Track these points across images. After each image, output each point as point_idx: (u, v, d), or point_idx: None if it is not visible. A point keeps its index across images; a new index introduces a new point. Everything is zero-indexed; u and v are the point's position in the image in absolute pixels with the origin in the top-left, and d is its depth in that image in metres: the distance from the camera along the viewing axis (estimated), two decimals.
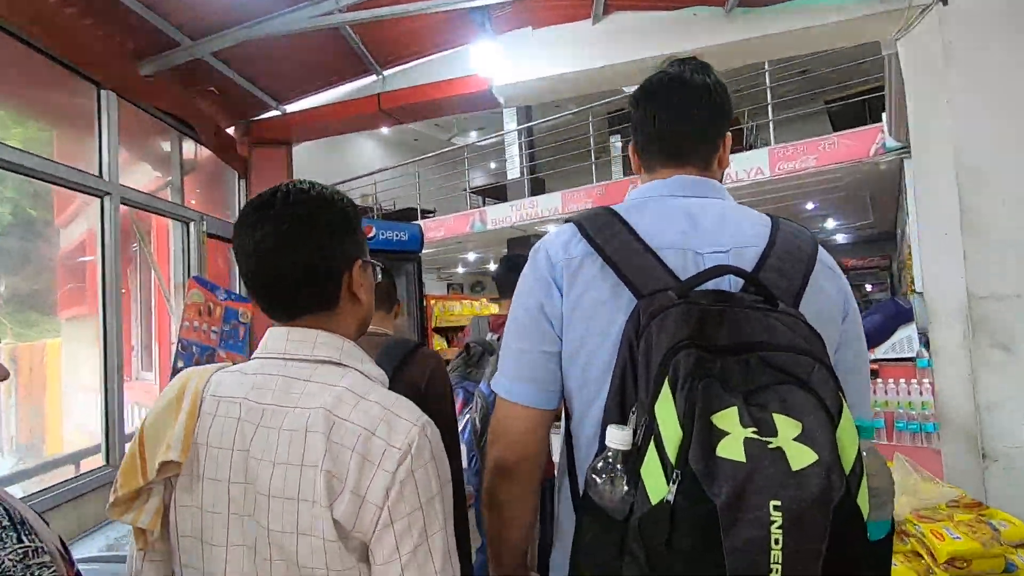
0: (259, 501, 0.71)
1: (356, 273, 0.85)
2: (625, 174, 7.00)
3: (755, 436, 0.56)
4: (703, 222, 0.85)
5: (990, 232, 2.17)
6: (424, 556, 0.69)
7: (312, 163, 11.42)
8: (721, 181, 0.96)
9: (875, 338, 4.48)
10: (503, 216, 7.13)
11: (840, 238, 10.44)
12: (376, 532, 0.69)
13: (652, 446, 0.60)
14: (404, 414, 0.74)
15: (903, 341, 4.41)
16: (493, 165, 12.05)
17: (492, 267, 12.35)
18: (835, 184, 5.44)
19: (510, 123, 8.04)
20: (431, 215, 8.17)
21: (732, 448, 0.56)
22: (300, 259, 0.78)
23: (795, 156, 5.01)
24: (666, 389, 0.61)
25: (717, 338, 0.66)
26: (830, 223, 8.06)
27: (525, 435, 0.84)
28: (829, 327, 0.81)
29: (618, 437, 0.64)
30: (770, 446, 0.56)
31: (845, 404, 0.62)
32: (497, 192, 8.46)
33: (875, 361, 4.39)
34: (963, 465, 2.29)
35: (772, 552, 0.52)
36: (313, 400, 0.73)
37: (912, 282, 4.90)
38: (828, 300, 0.83)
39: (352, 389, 0.74)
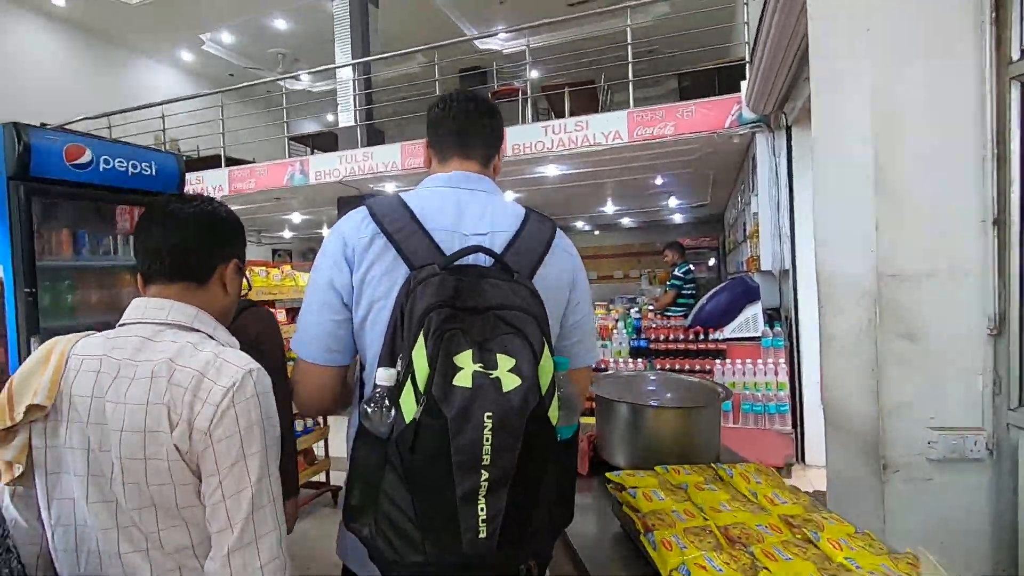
0: (112, 436, 0.87)
1: (231, 269, 1.04)
2: None
3: (481, 369, 0.80)
4: (470, 210, 1.04)
5: (905, 198, 1.73)
6: (240, 471, 0.87)
7: (84, 84, 8.93)
8: (494, 180, 1.15)
9: (721, 317, 4.35)
10: (329, 168, 5.95)
11: (677, 218, 10.97)
12: (202, 451, 0.87)
13: (409, 382, 0.81)
14: (232, 360, 0.91)
15: (748, 320, 4.32)
16: (331, 118, 10.47)
17: (325, 231, 10.88)
18: (687, 157, 5.24)
19: (347, 70, 6.75)
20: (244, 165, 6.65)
21: (463, 378, 0.79)
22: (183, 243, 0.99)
23: (654, 122, 4.65)
24: (421, 338, 0.81)
25: (467, 301, 0.86)
26: (672, 201, 8.21)
27: (319, 388, 1.05)
28: (559, 293, 1.06)
29: (384, 376, 0.84)
30: (490, 376, 0.80)
31: (547, 346, 0.85)
32: (326, 142, 7.15)
33: (722, 341, 4.26)
34: (856, 476, 1.89)
35: (485, 447, 0.77)
36: (160, 354, 0.90)
37: (756, 260, 4.89)
38: (559, 273, 1.06)
39: (193, 343, 0.92)
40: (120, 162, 2.45)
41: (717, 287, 4.39)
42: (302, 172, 6.05)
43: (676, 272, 5.82)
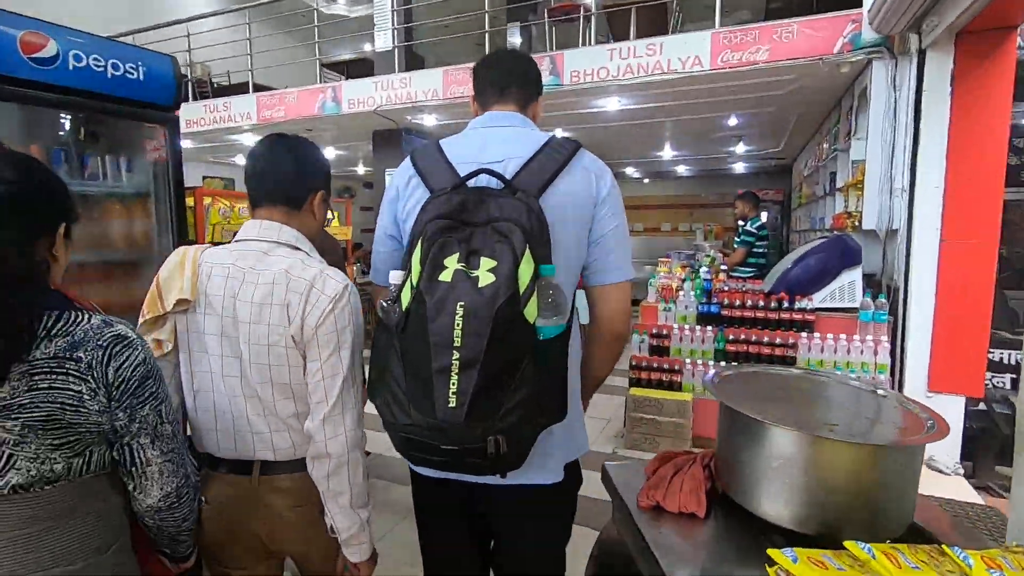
0: (241, 327, 1.12)
1: (318, 198, 1.25)
2: (522, 32, 5.51)
3: (463, 268, 0.95)
4: (493, 142, 1.16)
5: None
6: (336, 360, 1.13)
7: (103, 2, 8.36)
8: (536, 123, 1.25)
9: (811, 283, 3.70)
10: (364, 95, 5.35)
11: (739, 167, 10.00)
12: (309, 342, 1.12)
13: (408, 281, 0.99)
14: (334, 276, 1.15)
15: (845, 288, 3.67)
16: (367, 47, 9.73)
17: (362, 170, 10.37)
18: (776, 92, 4.44)
19: None
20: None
21: (446, 275, 0.95)
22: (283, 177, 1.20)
23: (744, 45, 3.87)
24: (419, 244, 0.99)
25: (471, 216, 1.01)
26: (740, 148, 7.32)
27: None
28: (577, 209, 1.12)
29: (395, 276, 1.04)
30: (471, 274, 0.95)
31: (531, 252, 0.96)
32: (361, 70, 6.51)
33: (810, 311, 3.63)
34: None
35: (456, 331, 0.92)
36: (277, 264, 1.14)
37: (851, 216, 4.16)
38: (575, 190, 1.11)
39: (301, 260, 1.16)
40: (97, 60, 1.93)
41: (810, 246, 3.70)
42: (334, 100, 5.48)
43: (748, 226, 5.11)
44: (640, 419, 3.64)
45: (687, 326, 3.81)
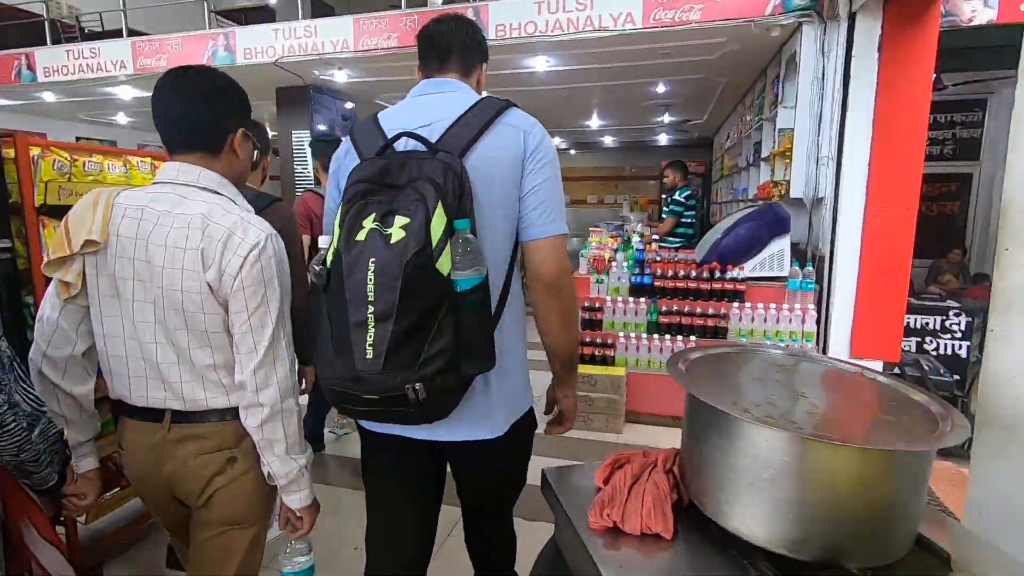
0: (154, 271, 1.09)
1: (239, 136, 1.19)
2: (446, 2, 5.08)
3: (377, 227, 0.98)
4: (425, 108, 1.18)
5: None
6: (264, 311, 1.11)
7: None
8: (479, 91, 1.28)
9: (742, 253, 3.65)
10: (263, 44, 4.69)
11: (663, 139, 10.06)
12: (232, 292, 1.09)
13: (333, 243, 1.03)
14: (256, 224, 1.12)
15: (775, 257, 3.64)
16: None
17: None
18: (705, 57, 4.33)
19: None
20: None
21: (361, 235, 0.99)
22: (196, 116, 1.15)
23: (676, 3, 3.72)
24: (341, 208, 1.04)
25: (393, 179, 1.05)
26: (666, 117, 7.27)
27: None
28: (504, 164, 1.12)
29: (323, 240, 1.14)
30: (384, 232, 0.98)
31: (442, 206, 0.99)
32: (260, 18, 5.78)
33: (740, 281, 3.59)
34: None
35: (369, 286, 0.96)
36: (194, 208, 1.10)
37: (777, 185, 4.15)
38: (501, 146, 1.12)
39: (221, 205, 1.12)
40: None
41: (740, 215, 3.64)
42: (227, 49, 4.80)
43: (677, 196, 5.03)
44: None
45: (620, 298, 3.66)
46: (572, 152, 11.66)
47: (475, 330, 1.04)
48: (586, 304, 3.67)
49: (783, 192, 4.03)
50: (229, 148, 1.18)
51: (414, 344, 0.97)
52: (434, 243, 0.97)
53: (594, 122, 8.06)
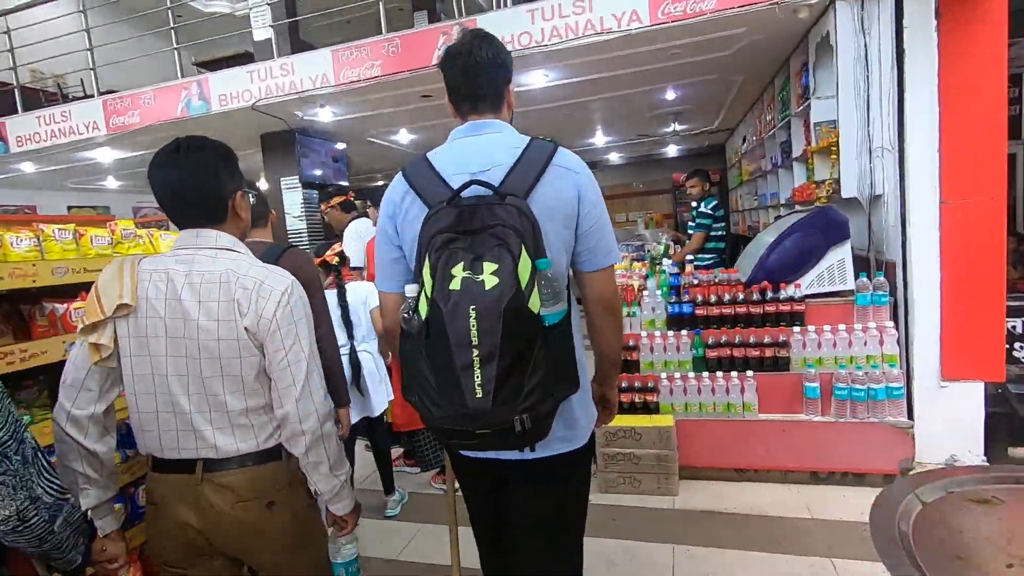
0: (189, 326, 1.18)
1: (239, 199, 1.31)
2: (431, 21, 4.73)
3: (469, 275, 1.05)
4: (477, 151, 1.25)
5: None
6: (298, 347, 1.23)
7: None
8: (511, 121, 1.36)
9: (795, 267, 3.13)
10: (238, 88, 4.32)
11: (672, 150, 9.60)
12: (269, 333, 1.20)
13: (422, 291, 1.09)
14: (280, 273, 1.26)
15: (834, 268, 3.11)
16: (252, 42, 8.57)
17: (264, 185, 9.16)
18: (722, 53, 3.87)
19: None
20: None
21: (455, 283, 1.05)
22: (203, 192, 1.25)
23: None
24: (427, 259, 1.09)
25: (468, 225, 1.10)
26: (674, 126, 6.82)
27: (392, 311, 1.33)
28: (563, 205, 1.21)
29: (410, 289, 1.13)
30: (477, 279, 1.04)
31: (526, 251, 1.07)
32: (238, 63, 5.47)
33: (798, 300, 3.05)
34: None
35: (472, 331, 1.03)
36: (219, 266, 1.21)
37: (822, 186, 3.64)
38: (558, 189, 1.21)
39: (245, 260, 1.25)
40: None
41: (787, 223, 3.12)
42: (201, 97, 4.46)
43: (702, 207, 4.54)
44: (615, 455, 2.92)
45: (657, 333, 3.13)
46: None
47: (563, 359, 1.16)
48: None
49: (830, 192, 3.51)
50: (232, 212, 1.30)
51: (515, 379, 1.06)
52: (523, 285, 1.05)
53: (599, 139, 7.65)
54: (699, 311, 3.12)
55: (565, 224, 1.22)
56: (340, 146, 5.87)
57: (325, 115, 4.78)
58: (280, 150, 5.25)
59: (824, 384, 2.85)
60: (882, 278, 2.92)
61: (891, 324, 2.86)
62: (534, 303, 1.06)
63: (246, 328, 1.18)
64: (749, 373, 2.91)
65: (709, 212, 4.49)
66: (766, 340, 2.96)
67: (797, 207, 4.24)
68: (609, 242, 1.29)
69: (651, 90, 5.12)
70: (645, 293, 3.24)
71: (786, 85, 4.57)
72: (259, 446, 1.23)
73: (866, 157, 3.18)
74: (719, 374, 2.97)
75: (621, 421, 2.93)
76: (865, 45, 3.10)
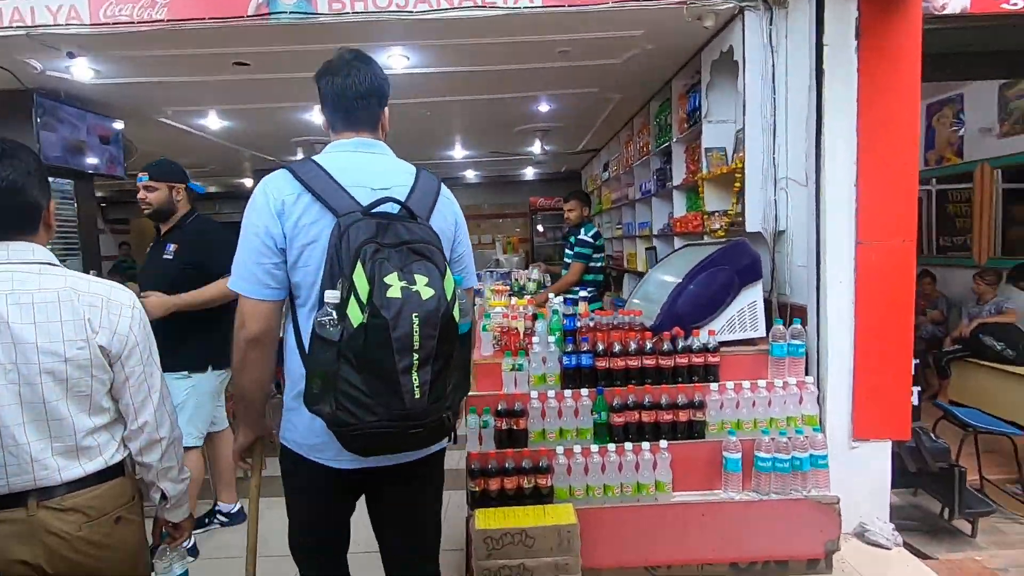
0: (25, 350, 1.11)
1: (52, 209, 1.26)
2: None
3: (405, 285, 1.11)
4: (373, 169, 1.34)
5: None
6: (152, 360, 1.29)
7: None
8: (384, 140, 1.45)
9: (704, 308, 2.67)
10: None
11: (529, 173, 9.27)
12: (128, 349, 1.23)
13: (352, 297, 1.09)
14: (118, 287, 1.27)
15: (745, 313, 2.71)
16: None
17: None
18: (610, 59, 3.39)
19: None
20: None
21: (394, 291, 1.10)
22: (22, 199, 1.18)
23: None
24: (359, 265, 1.10)
25: (387, 238, 1.16)
26: (536, 146, 6.37)
27: (265, 318, 1.30)
28: (448, 230, 1.38)
29: (332, 296, 1.13)
30: (413, 289, 1.12)
31: (448, 268, 1.21)
32: None
33: (712, 350, 2.57)
34: None
35: (415, 337, 1.10)
36: (52, 283, 1.16)
37: (711, 217, 3.29)
38: (446, 215, 1.38)
39: (79, 276, 1.22)
40: None
41: (703, 259, 2.62)
42: None
43: (582, 235, 4.01)
44: (500, 569, 2.10)
45: (550, 393, 2.41)
46: None
47: (467, 363, 1.41)
48: (500, 408, 2.36)
49: (727, 225, 3.16)
50: (44, 222, 1.25)
51: (441, 380, 1.17)
52: (449, 296, 1.16)
53: (458, 152, 6.93)
54: (600, 363, 2.47)
55: (447, 247, 1.35)
56: (116, 125, 4.32)
57: (82, 71, 3.34)
58: (8, 118, 3.60)
59: (745, 453, 2.36)
60: (798, 326, 2.55)
61: (811, 380, 2.48)
62: (456, 313, 1.19)
63: (100, 346, 1.19)
64: (663, 444, 2.31)
65: (589, 240, 3.97)
66: (680, 400, 2.40)
67: (690, 242, 3.91)
68: (472, 265, 1.52)
69: (524, 99, 4.54)
70: (535, 340, 2.51)
71: (664, 109, 4.29)
72: (106, 463, 1.23)
73: (771, 188, 2.86)
74: (627, 446, 2.33)
75: (507, 519, 2.13)
76: (773, 64, 2.79)
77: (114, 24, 2.78)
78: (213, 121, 4.81)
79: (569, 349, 2.47)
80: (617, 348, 2.48)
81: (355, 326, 1.08)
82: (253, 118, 4.75)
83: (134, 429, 1.25)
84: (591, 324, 2.62)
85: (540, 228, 9.43)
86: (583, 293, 3.91)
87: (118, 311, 1.21)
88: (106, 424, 1.23)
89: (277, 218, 1.24)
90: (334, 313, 1.11)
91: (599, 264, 4.04)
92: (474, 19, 2.79)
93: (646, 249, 4.79)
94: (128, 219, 10.59)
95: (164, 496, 1.35)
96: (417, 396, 1.11)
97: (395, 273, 1.10)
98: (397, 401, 1.10)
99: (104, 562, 1.22)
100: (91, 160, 4.01)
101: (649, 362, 2.47)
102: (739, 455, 2.33)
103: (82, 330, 1.15)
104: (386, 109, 1.44)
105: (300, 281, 1.27)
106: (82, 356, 1.16)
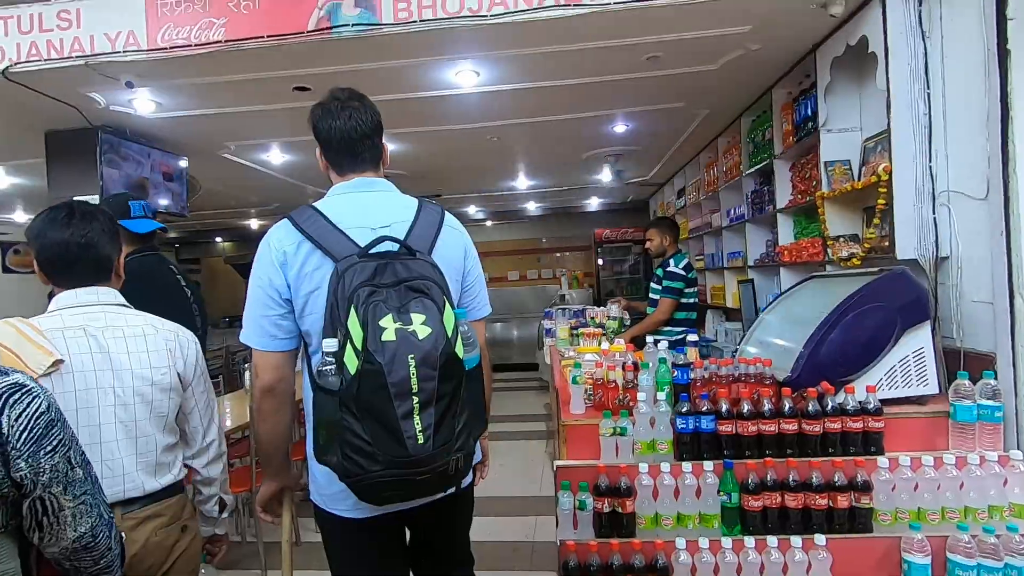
0: (123, 375, 1.32)
1: (122, 257, 1.48)
2: None
3: (400, 327, 1.07)
4: (373, 208, 1.33)
5: None
6: (210, 387, 1.54)
7: None
8: (383, 175, 1.45)
9: (857, 356, 2.10)
10: None
11: (593, 203, 8.83)
12: (195, 375, 1.47)
13: (348, 344, 1.07)
14: (180, 327, 1.48)
15: (909, 362, 2.13)
16: None
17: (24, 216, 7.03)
18: (709, 62, 2.99)
19: None
20: None
21: (388, 335, 1.06)
22: (100, 252, 1.40)
23: None
24: (352, 311, 1.08)
25: (384, 279, 1.15)
26: (604, 173, 5.95)
27: (275, 369, 1.31)
28: (455, 261, 1.37)
29: (329, 344, 1.11)
30: (408, 330, 1.07)
31: (448, 302, 1.16)
32: None
33: (874, 412, 2.00)
34: None
35: (412, 379, 1.06)
36: (135, 320, 1.40)
37: (864, 243, 2.72)
38: (451, 246, 1.37)
39: (151, 316, 1.44)
40: None
41: (852, 295, 2.08)
42: None
43: (672, 266, 3.51)
44: None
45: (665, 467, 1.89)
46: (488, 224, 10.20)
47: (479, 400, 1.28)
48: (601, 484, 1.87)
49: (866, 252, 2.59)
50: (116, 272, 1.46)
51: (448, 421, 1.11)
52: (449, 333, 1.11)
53: (521, 182, 6.62)
54: (724, 426, 1.95)
55: (456, 278, 1.38)
56: (181, 162, 4.25)
57: (143, 104, 3.22)
58: (73, 156, 3.54)
59: (935, 555, 1.75)
60: (991, 380, 1.94)
61: (1019, 456, 1.85)
62: (459, 349, 1.14)
63: (178, 373, 1.40)
64: (819, 539, 1.74)
65: (680, 273, 3.46)
66: (836, 479, 1.83)
67: (816, 274, 3.34)
68: (486, 294, 1.50)
69: (600, 119, 4.15)
70: (639, 396, 2.01)
71: (762, 123, 3.79)
72: (175, 479, 1.40)
73: (927, 205, 2.29)
74: (771, 541, 1.77)
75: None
76: (925, 52, 2.26)
77: (171, 48, 2.60)
78: (275, 156, 4.69)
79: (685, 409, 1.96)
80: (747, 408, 1.95)
81: (352, 374, 1.07)
82: (315, 151, 4.60)
83: (203, 447, 1.50)
84: (706, 376, 2.11)
85: (601, 261, 8.90)
86: (677, 331, 3.40)
87: (186, 344, 1.45)
88: (175, 443, 1.43)
89: (280, 269, 1.26)
90: (332, 361, 1.11)
91: (691, 300, 3.51)
92: (555, 21, 2.43)
93: (739, 282, 4.22)
94: (199, 258, 10.91)
95: (223, 507, 1.57)
96: (421, 441, 1.07)
97: (390, 315, 1.09)
98: (399, 448, 1.07)
99: (170, 565, 1.37)
100: (155, 197, 3.91)
101: (789, 427, 1.92)
102: (927, 559, 1.72)
103: (166, 358, 1.38)
104: (385, 148, 1.46)
105: (309, 329, 1.29)
106: (165, 381, 1.37)
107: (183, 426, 1.47)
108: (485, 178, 6.40)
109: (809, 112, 3.07)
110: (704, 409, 1.95)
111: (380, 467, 1.07)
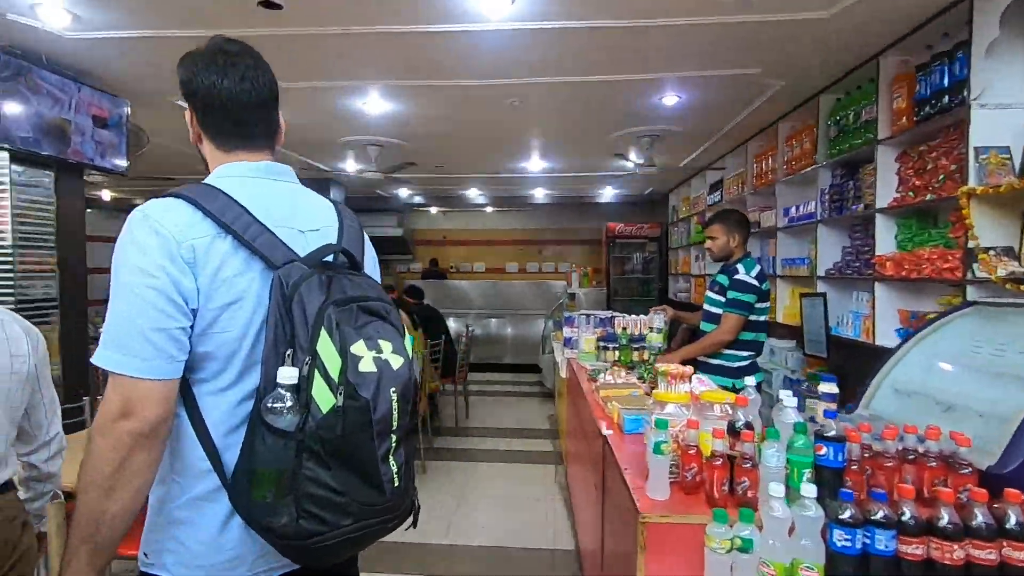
0: None
1: None
2: None
3: (376, 355, 0.89)
4: (290, 203, 1.04)
5: None
6: (53, 385, 1.46)
7: None
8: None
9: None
10: None
11: (608, 193, 8.03)
12: (44, 368, 1.40)
13: (317, 375, 0.85)
14: (31, 325, 1.40)
15: None
16: None
17: None
18: (824, 8, 2.21)
19: None
20: None
21: (367, 364, 0.88)
22: None
23: None
24: (324, 334, 0.87)
25: (335, 295, 0.92)
26: (633, 157, 5.16)
27: (167, 403, 0.90)
28: (376, 276, 1.14)
29: (288, 374, 0.85)
30: (382, 358, 0.90)
31: (406, 327, 1.05)
32: None
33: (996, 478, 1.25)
34: None
35: (394, 415, 0.89)
36: None
37: (997, 262, 2.00)
38: (372, 262, 1.15)
39: (4, 311, 1.36)
40: None
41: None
42: None
43: (743, 274, 2.74)
44: None
45: None
46: (488, 210, 9.38)
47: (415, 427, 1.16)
48: None
49: (1018, 272, 1.86)
50: None
51: (409, 458, 0.97)
52: (412, 360, 0.98)
53: (534, 163, 5.81)
54: (907, 547, 1.20)
55: None
56: (120, 105, 3.38)
57: (54, 14, 2.36)
58: None
59: None
60: None
61: None
62: (416, 373, 1.07)
63: (34, 364, 1.35)
64: None
65: (752, 283, 2.70)
66: None
67: (983, 299, 2.60)
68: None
69: (647, 84, 3.36)
70: (772, 489, 1.25)
71: (853, 102, 3.03)
72: (12, 475, 1.34)
73: None
74: None
75: None
76: None
77: None
78: None
79: (848, 516, 1.21)
80: (947, 519, 1.20)
81: (325, 411, 0.85)
82: (291, 104, 3.74)
83: (45, 441, 1.43)
84: (866, 456, 1.35)
85: (616, 258, 8.14)
86: (743, 356, 2.67)
87: (36, 336, 1.40)
88: (15, 438, 1.38)
89: (188, 269, 0.90)
90: (288, 397, 0.85)
91: (762, 318, 2.75)
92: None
93: (803, 295, 3.48)
94: None
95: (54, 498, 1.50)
96: (396, 484, 0.91)
97: (361, 341, 0.89)
98: (376, 494, 0.89)
99: (13, 561, 1.31)
100: (79, 146, 3.05)
101: (1017, 552, 1.18)
102: None
103: (25, 347, 1.34)
104: (285, 121, 1.14)
105: (211, 351, 0.93)
106: (23, 370, 1.33)
107: (24, 422, 1.39)
108: (494, 155, 5.57)
109: (946, 82, 2.32)
110: (880, 517, 1.20)
111: (351, 520, 0.87)
